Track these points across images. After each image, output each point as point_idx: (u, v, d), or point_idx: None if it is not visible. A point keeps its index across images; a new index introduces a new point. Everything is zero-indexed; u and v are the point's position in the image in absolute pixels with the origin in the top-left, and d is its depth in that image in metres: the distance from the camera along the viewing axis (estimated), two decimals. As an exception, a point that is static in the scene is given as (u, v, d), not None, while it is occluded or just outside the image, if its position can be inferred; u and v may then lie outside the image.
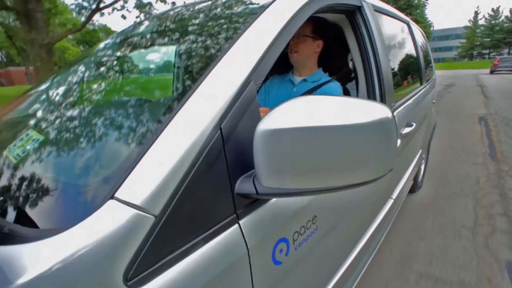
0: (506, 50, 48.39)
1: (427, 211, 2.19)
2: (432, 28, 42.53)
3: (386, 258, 1.69)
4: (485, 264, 1.60)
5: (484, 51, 53.04)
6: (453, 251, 1.73)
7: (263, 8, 0.73)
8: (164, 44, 0.95)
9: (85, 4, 9.63)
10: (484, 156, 3.34)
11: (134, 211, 0.40)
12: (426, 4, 34.88)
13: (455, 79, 15.44)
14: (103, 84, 0.85)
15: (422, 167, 2.56)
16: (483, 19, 52.04)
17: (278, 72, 1.43)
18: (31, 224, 0.47)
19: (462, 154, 3.47)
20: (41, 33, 6.70)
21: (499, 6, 49.65)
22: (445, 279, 1.51)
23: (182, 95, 0.56)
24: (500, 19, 49.10)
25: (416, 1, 33.38)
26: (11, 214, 0.49)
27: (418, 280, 1.51)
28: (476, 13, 52.58)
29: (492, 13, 49.86)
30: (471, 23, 53.21)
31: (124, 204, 0.41)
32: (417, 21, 30.08)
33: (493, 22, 49.65)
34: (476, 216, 2.09)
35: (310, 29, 1.25)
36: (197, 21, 0.92)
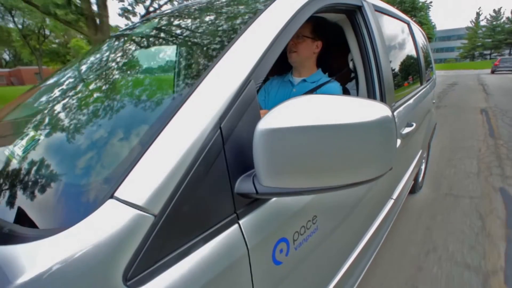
0: (507, 51, 48.32)
1: (444, 166, 3.21)
2: (434, 30, 42.52)
3: (423, 186, 2.70)
4: (485, 189, 2.59)
5: (485, 52, 53.00)
6: (465, 185, 2.70)
7: (264, 7, 0.73)
8: (164, 44, 0.95)
9: (129, 8, 11.15)
10: (485, 135, 4.34)
11: (133, 211, 0.40)
12: (430, 6, 34.87)
13: (457, 78, 16.34)
14: (102, 84, 0.85)
15: (423, 167, 2.56)
16: (485, 20, 52.05)
17: (278, 72, 1.43)
18: (30, 223, 0.46)
19: (468, 134, 4.48)
20: (106, 34, 7.56)
21: (501, 8, 49.56)
22: (460, 195, 2.49)
23: (182, 95, 0.56)
24: (502, 20, 49.03)
25: (420, 4, 33.39)
26: (10, 214, 0.49)
27: (444, 196, 2.49)
28: (478, 14, 52.52)
29: (493, 14, 49.81)
30: (473, 24, 53.14)
31: (124, 203, 0.41)
32: (421, 23, 30.10)
33: (494, 23, 49.56)
34: (479, 167, 3.10)
35: (310, 29, 1.24)
36: (197, 21, 0.92)
